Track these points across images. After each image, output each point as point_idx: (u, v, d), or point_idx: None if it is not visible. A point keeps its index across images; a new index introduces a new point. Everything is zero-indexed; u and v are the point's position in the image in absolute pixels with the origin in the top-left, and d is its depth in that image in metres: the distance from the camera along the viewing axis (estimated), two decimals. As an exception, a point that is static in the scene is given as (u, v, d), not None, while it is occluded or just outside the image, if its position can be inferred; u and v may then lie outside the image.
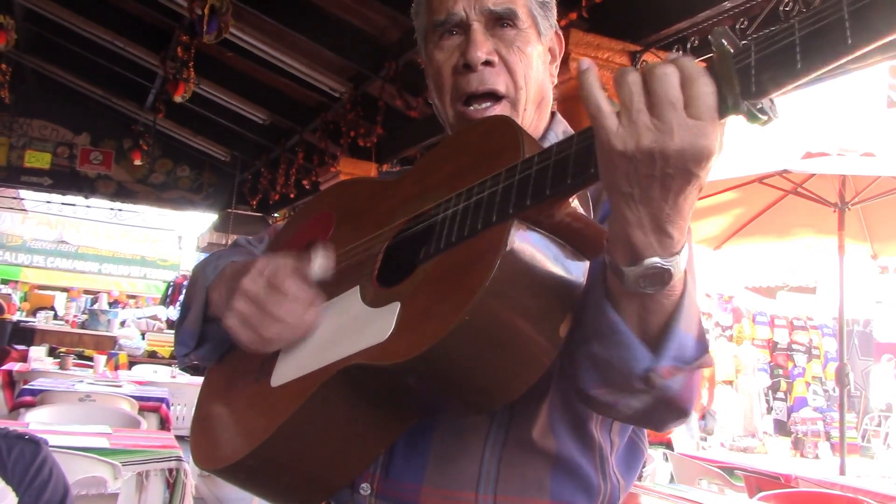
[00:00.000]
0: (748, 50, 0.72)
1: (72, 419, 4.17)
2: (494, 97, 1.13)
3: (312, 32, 5.53)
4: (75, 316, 14.27)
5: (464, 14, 1.13)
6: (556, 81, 1.24)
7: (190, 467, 3.43)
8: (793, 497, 4.00)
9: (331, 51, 5.66)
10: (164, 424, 5.43)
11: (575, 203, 0.89)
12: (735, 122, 0.76)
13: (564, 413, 1.05)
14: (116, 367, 7.69)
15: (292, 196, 8.23)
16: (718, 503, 3.95)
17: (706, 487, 4.59)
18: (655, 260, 0.80)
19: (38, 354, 7.26)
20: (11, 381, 6.45)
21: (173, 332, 1.30)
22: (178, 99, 7.02)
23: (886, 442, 11.30)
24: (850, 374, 5.25)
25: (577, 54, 3.25)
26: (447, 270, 0.91)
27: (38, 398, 4.98)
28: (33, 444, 1.81)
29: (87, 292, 18.96)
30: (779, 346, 13.14)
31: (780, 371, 13.00)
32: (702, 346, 0.89)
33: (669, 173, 0.74)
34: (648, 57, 3.33)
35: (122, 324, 12.68)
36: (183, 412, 6.93)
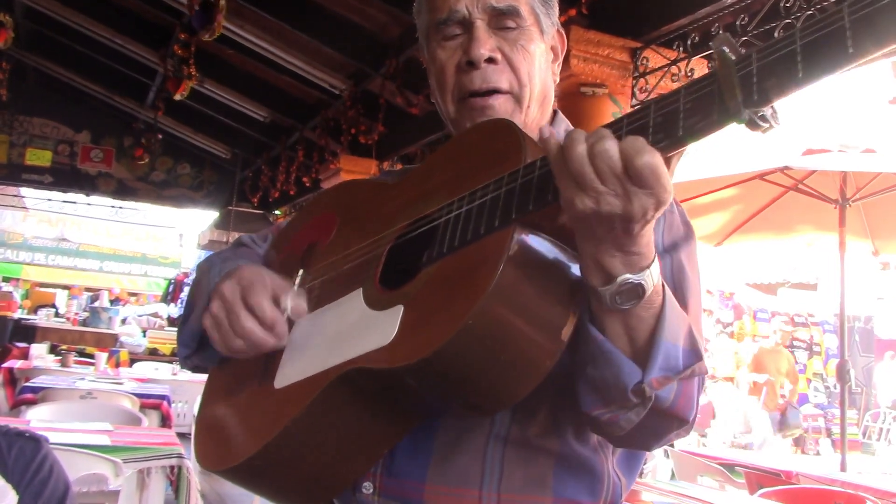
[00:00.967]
0: (750, 58, 0.72)
1: (73, 416, 4.18)
2: (498, 94, 1.13)
3: (313, 29, 5.53)
4: (76, 313, 14.25)
5: (466, 11, 1.12)
6: (558, 80, 1.24)
7: (192, 464, 3.43)
8: (794, 493, 3.99)
9: (331, 48, 5.66)
10: (165, 421, 5.43)
11: None
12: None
13: (566, 412, 1.05)
14: (117, 365, 7.68)
15: (292, 193, 8.23)
16: (719, 500, 3.95)
17: (707, 484, 4.59)
18: (626, 276, 0.83)
19: (39, 352, 7.26)
20: (13, 378, 6.45)
21: (175, 331, 1.30)
22: (177, 97, 7.01)
23: (888, 438, 11.29)
24: (851, 370, 5.24)
25: (577, 51, 3.24)
26: (450, 274, 0.91)
27: (40, 396, 4.99)
28: (33, 442, 1.81)
29: (88, 290, 18.94)
30: (780, 343, 13.12)
31: (781, 368, 12.99)
32: (693, 354, 0.91)
33: (629, 226, 0.79)
34: (649, 53, 3.33)
35: (124, 321, 12.66)
36: (184, 409, 6.94)
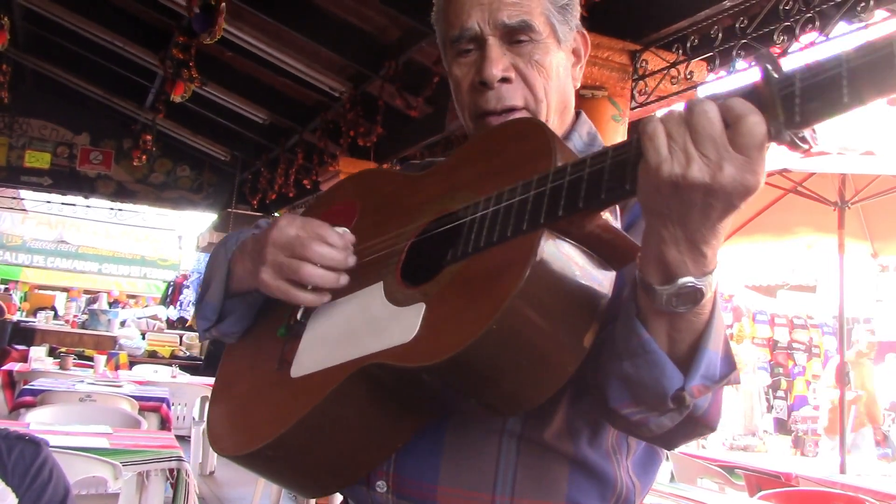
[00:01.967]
0: (793, 78, 0.70)
1: (72, 419, 4.17)
2: (514, 111, 1.12)
3: (312, 32, 5.52)
4: (75, 316, 14.26)
5: (478, 28, 1.10)
6: (578, 85, 1.21)
7: (190, 466, 3.43)
8: (793, 496, 4.00)
9: (330, 50, 5.66)
10: (164, 424, 5.43)
11: (606, 214, 0.89)
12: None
13: (581, 416, 1.04)
14: (117, 367, 7.67)
15: (292, 195, 8.23)
16: (719, 502, 3.95)
17: (706, 486, 4.59)
18: (689, 279, 0.80)
19: (38, 354, 7.25)
20: (12, 381, 6.44)
21: (193, 308, 1.30)
22: (177, 99, 7.01)
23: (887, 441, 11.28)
24: (850, 372, 5.25)
25: (576, 53, 3.23)
26: (475, 275, 0.91)
27: (39, 398, 4.97)
28: (33, 445, 1.80)
29: (87, 292, 18.95)
30: (779, 345, 13.11)
31: (781, 370, 12.99)
32: (729, 362, 0.89)
33: (711, 203, 0.75)
34: (648, 56, 3.33)
35: (123, 324, 12.66)
36: (183, 412, 6.93)
